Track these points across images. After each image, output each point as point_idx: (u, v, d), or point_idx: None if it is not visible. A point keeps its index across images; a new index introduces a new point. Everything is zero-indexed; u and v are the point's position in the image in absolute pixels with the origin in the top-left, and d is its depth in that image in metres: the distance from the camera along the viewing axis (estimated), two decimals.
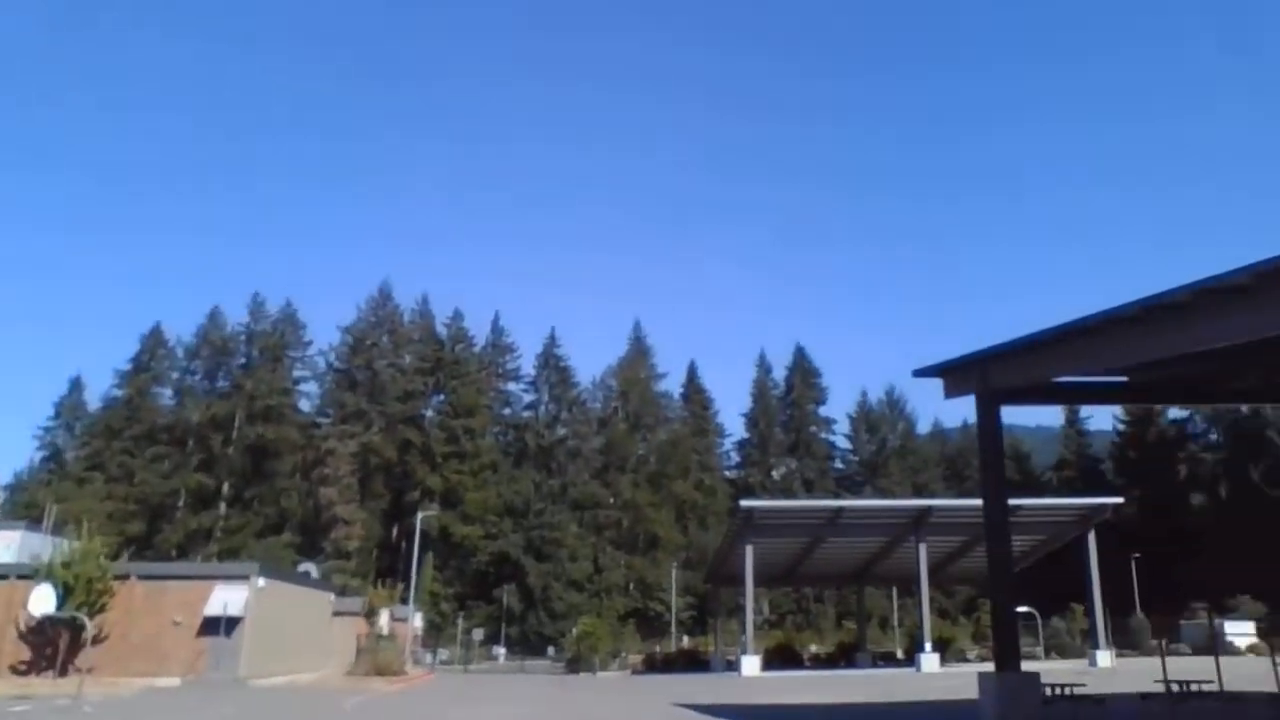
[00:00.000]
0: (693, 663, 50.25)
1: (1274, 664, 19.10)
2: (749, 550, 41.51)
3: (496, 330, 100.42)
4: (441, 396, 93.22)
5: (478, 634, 71.99)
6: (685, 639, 74.57)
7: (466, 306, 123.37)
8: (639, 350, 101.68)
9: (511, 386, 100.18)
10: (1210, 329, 11.92)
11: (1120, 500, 46.84)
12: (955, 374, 17.59)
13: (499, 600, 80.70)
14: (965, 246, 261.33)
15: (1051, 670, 29.19)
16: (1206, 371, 16.67)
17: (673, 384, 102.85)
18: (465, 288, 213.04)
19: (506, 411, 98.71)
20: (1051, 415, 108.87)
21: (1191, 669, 21.85)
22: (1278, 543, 66.24)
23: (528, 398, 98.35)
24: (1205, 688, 18.02)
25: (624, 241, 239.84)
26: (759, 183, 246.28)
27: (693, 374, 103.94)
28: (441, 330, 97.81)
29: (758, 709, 21.94)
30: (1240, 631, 53.94)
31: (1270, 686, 18.90)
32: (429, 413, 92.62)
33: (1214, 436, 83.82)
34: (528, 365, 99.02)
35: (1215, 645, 29.54)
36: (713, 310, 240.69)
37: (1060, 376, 16.54)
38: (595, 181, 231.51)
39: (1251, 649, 48.55)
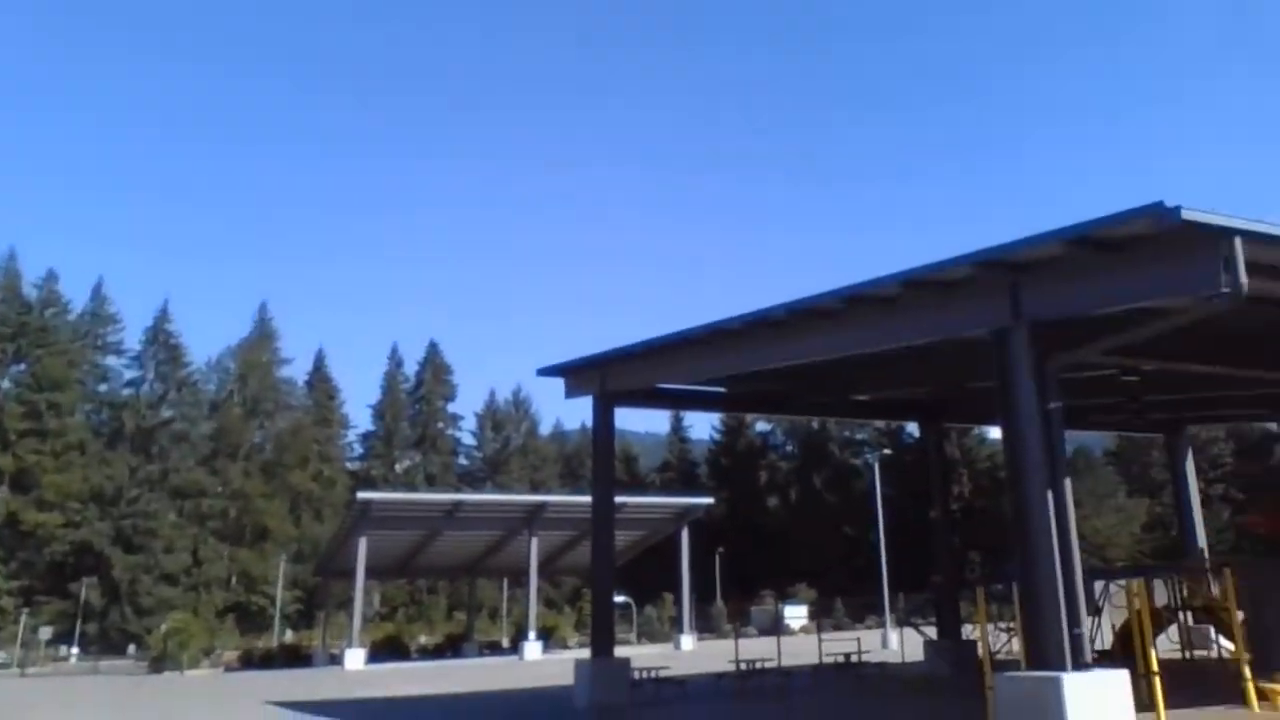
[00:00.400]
0: (294, 658, 48.17)
1: (819, 641, 22.29)
2: (363, 542, 40.75)
3: (98, 297, 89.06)
4: (23, 366, 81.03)
5: (46, 632, 63.66)
6: (290, 634, 71.26)
7: (65, 269, 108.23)
8: (264, 333, 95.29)
9: (111, 361, 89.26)
10: (802, 345, 13.45)
11: (711, 501, 51.63)
12: (576, 374, 18.60)
13: (76, 595, 71.85)
14: (593, 260, 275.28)
15: (641, 655, 31.52)
16: (790, 386, 19.00)
17: (298, 371, 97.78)
18: (65, 248, 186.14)
19: (103, 388, 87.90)
20: (659, 423, 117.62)
21: (758, 649, 24.73)
22: (830, 540, 77.03)
23: (130, 374, 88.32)
24: (767, 664, 20.51)
25: (258, 221, 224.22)
26: (398, 174, 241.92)
27: (320, 362, 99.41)
28: (30, 291, 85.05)
29: (353, 704, 21.58)
30: (796, 615, 61.87)
31: (814, 660, 22.01)
32: (5, 383, 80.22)
33: (789, 448, 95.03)
34: (133, 339, 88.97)
35: (777, 627, 33.74)
36: (346, 299, 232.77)
37: (670, 382, 18.06)
38: (231, 168, 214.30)
39: (804, 629, 55.67)
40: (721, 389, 19.60)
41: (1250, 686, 12.44)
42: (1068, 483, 9.51)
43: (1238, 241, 7.62)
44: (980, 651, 14.04)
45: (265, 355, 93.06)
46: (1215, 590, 19.97)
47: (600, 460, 19.07)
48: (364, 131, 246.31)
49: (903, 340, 12.07)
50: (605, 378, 17.86)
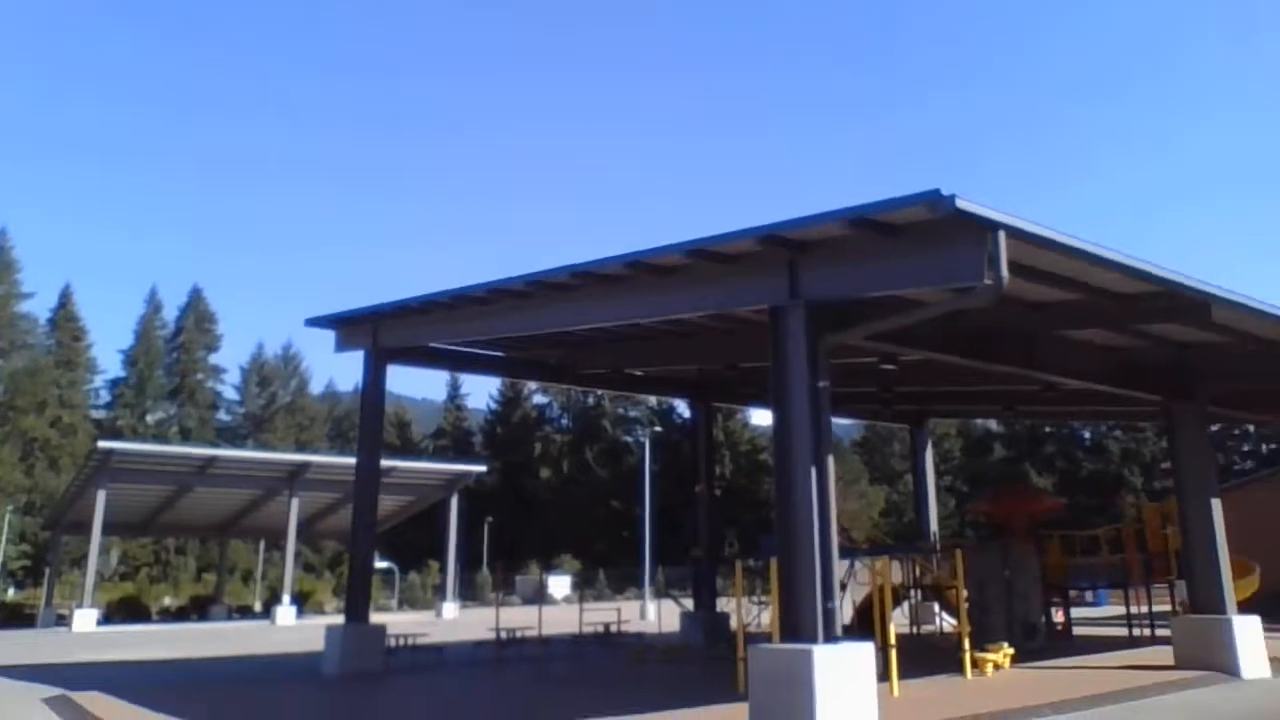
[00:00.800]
0: (15, 619, 43.99)
1: (580, 610, 22.48)
2: (102, 495, 37.62)
3: None
4: None
5: None
6: (12, 591, 64.87)
7: None
8: (1, 262, 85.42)
9: None
10: (585, 310, 13.03)
11: (483, 469, 51.12)
12: (348, 327, 17.65)
13: None
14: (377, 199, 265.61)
15: (401, 621, 30.87)
16: (568, 354, 18.82)
17: (41, 307, 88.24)
18: None
19: None
20: (436, 390, 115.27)
21: (521, 618, 24.63)
22: (598, 513, 78.49)
23: None
24: (528, 633, 20.45)
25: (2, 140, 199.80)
26: (155, 103, 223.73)
27: (66, 298, 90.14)
28: None
29: (69, 669, 19.66)
30: (560, 585, 62.58)
31: (575, 629, 22.14)
32: None
33: (565, 421, 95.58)
34: None
35: (541, 597, 33.87)
36: (100, 234, 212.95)
37: (448, 342, 17.40)
38: None
39: (566, 599, 56.31)
40: (500, 352, 19.17)
41: (967, 657, 13.61)
42: (830, 460, 9.81)
43: (1001, 235, 8.02)
44: (734, 623, 14.50)
45: (2, 287, 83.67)
46: (943, 570, 21.73)
47: (368, 419, 18.23)
48: (123, 59, 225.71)
49: (684, 310, 12.07)
50: (379, 332, 17.04)
